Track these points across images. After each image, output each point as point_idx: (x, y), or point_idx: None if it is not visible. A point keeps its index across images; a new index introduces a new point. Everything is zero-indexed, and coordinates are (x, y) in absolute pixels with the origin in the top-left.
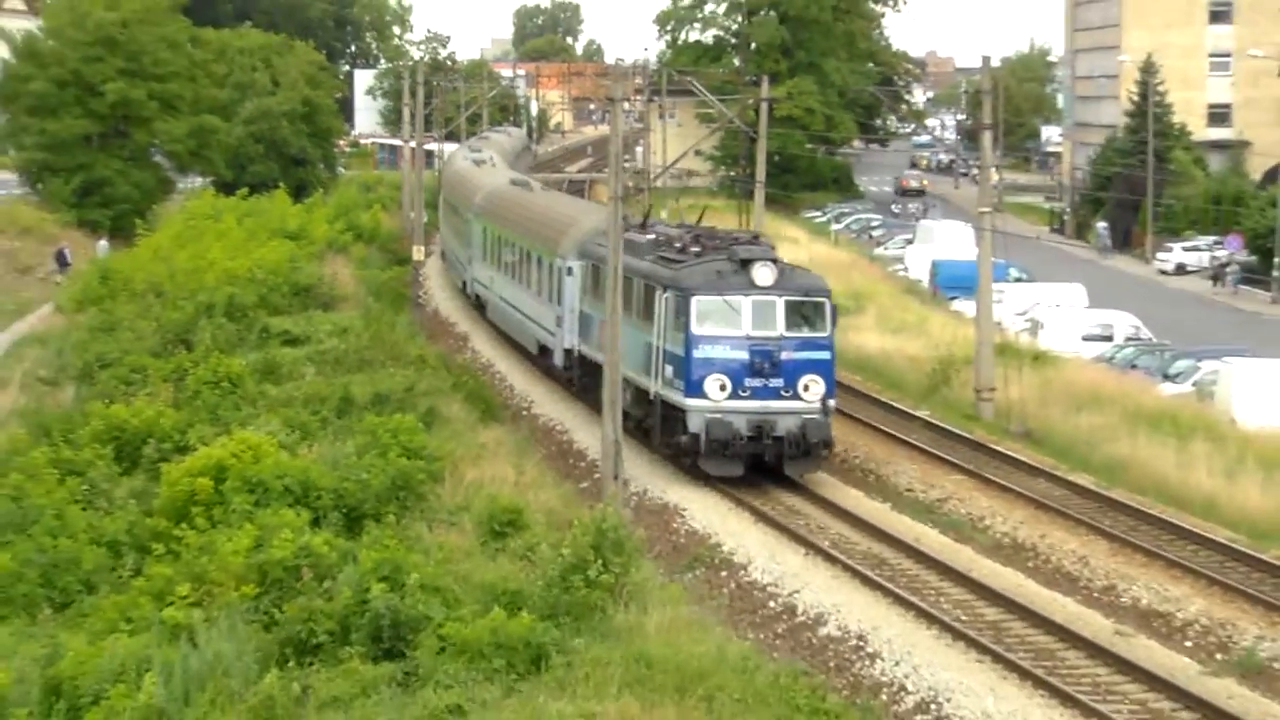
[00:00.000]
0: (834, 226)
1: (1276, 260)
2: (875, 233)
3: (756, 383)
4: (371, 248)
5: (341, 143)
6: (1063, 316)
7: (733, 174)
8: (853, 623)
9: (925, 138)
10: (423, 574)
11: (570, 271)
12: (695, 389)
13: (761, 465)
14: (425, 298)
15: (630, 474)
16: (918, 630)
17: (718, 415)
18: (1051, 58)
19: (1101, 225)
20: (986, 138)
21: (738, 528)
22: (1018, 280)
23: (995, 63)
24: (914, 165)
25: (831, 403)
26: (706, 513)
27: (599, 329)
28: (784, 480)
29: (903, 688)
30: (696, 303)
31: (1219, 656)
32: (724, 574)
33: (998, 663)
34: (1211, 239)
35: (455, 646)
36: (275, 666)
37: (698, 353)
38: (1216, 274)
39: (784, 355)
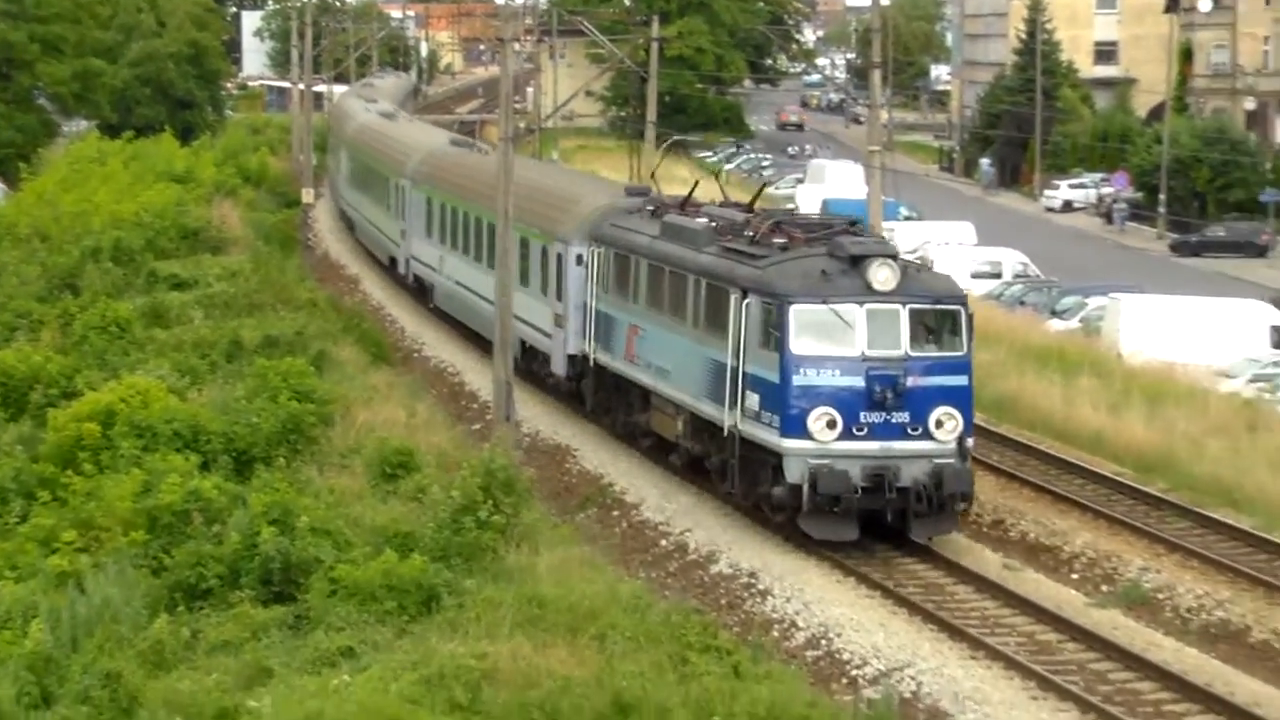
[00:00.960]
0: (725, 166)
1: (1162, 197)
2: (766, 172)
3: (875, 417)
4: (260, 191)
5: (229, 85)
6: (952, 254)
7: (623, 115)
8: (744, 560)
9: (815, 77)
10: (313, 517)
11: (579, 260)
12: (795, 427)
13: (875, 523)
14: (315, 240)
15: (523, 415)
16: (808, 568)
17: (825, 461)
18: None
19: (986, 162)
20: (875, 76)
21: (629, 467)
22: (907, 219)
23: (884, 1)
24: (804, 104)
25: (970, 443)
26: (598, 453)
27: (629, 335)
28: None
29: (794, 624)
30: (796, 313)
31: (1105, 588)
32: (616, 514)
33: (888, 598)
34: (1098, 176)
35: (346, 589)
36: (164, 611)
37: (798, 379)
38: (1107, 211)
39: (911, 381)
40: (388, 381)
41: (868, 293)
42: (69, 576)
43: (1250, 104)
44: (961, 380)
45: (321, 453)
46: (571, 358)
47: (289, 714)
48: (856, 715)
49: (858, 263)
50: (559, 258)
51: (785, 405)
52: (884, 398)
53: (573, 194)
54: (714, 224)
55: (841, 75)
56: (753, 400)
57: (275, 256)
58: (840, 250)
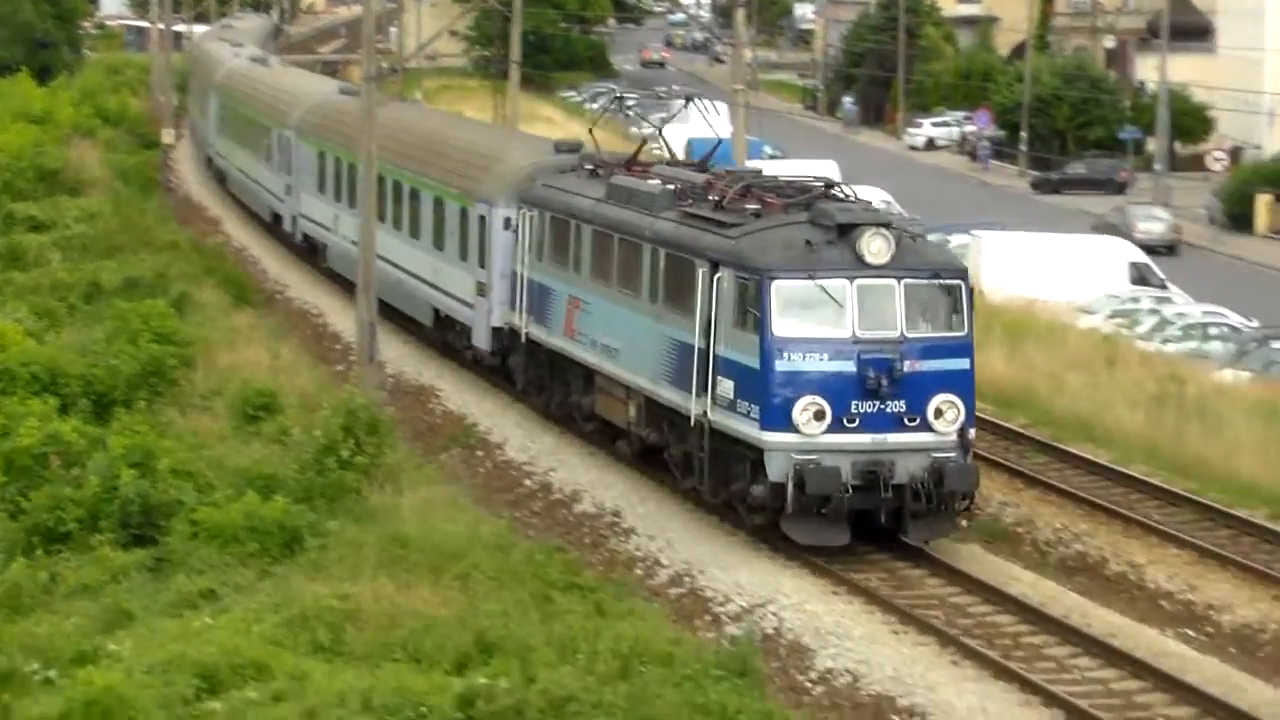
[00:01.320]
0: (590, 106)
1: (1024, 135)
2: (631, 112)
3: (868, 407)
4: (119, 132)
5: (87, 25)
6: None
7: (487, 54)
8: (608, 500)
9: (679, 16)
10: (174, 459)
11: (507, 224)
12: (778, 418)
13: (865, 525)
14: (176, 182)
15: (387, 356)
16: (672, 506)
17: (812, 457)
18: None
19: (848, 100)
20: (739, 15)
21: (494, 408)
22: (772, 157)
23: None
24: (669, 44)
25: (971, 434)
26: (463, 393)
27: (569, 308)
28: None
29: (657, 562)
30: (778, 290)
31: (964, 523)
32: (480, 454)
33: (751, 536)
34: (961, 114)
35: (208, 531)
36: (22, 555)
37: (782, 364)
38: (971, 149)
39: (907, 366)
40: (250, 323)
41: (859, 266)
42: None
43: (1110, 42)
44: (963, 364)
45: (183, 395)
46: (497, 330)
47: (149, 657)
48: (719, 652)
49: (846, 232)
50: (481, 220)
51: (767, 394)
52: (878, 385)
53: (495, 150)
54: (671, 186)
55: (706, 14)
56: (726, 387)
57: (135, 198)
58: (825, 218)
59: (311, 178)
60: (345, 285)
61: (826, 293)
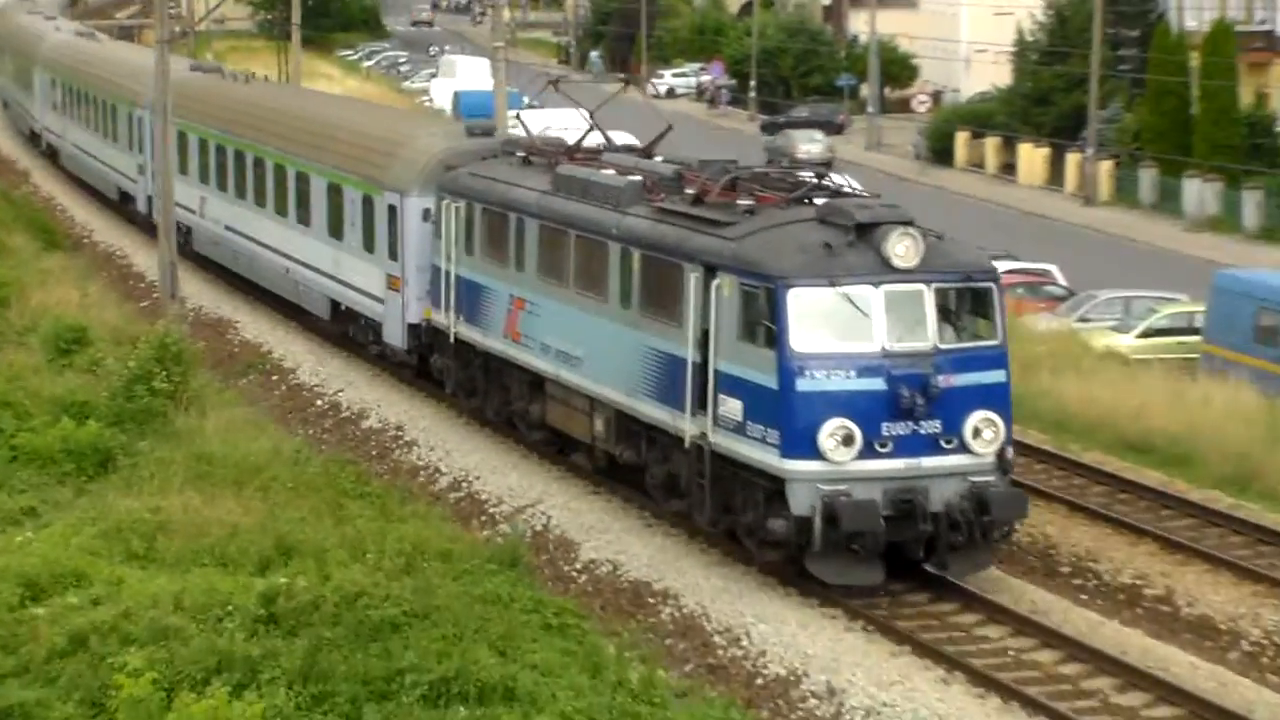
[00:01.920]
0: (365, 64)
1: (752, 83)
2: (403, 68)
3: (901, 429)
4: None
5: None
6: (570, 137)
7: (270, 17)
8: (392, 416)
9: None
10: None
11: (427, 215)
12: (801, 444)
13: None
14: None
15: (187, 292)
16: (450, 420)
17: (842, 488)
18: None
19: (595, 54)
20: None
21: (286, 337)
22: (529, 107)
23: None
24: (435, 6)
25: (1010, 454)
26: (258, 324)
27: (511, 309)
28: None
29: (437, 470)
30: (796, 299)
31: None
32: (275, 378)
33: (519, 445)
34: (697, 65)
35: (27, 454)
36: None
37: (804, 384)
38: (712, 97)
39: (942, 381)
40: (60, 266)
41: (885, 270)
42: None
43: (824, 2)
44: (999, 376)
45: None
46: (413, 327)
47: None
48: (492, 547)
49: (866, 232)
50: (391, 210)
51: (787, 417)
52: (912, 403)
53: (399, 134)
54: (637, 178)
55: None
56: (731, 408)
57: None
58: (841, 216)
59: (173, 160)
60: (203, 262)
61: (851, 301)
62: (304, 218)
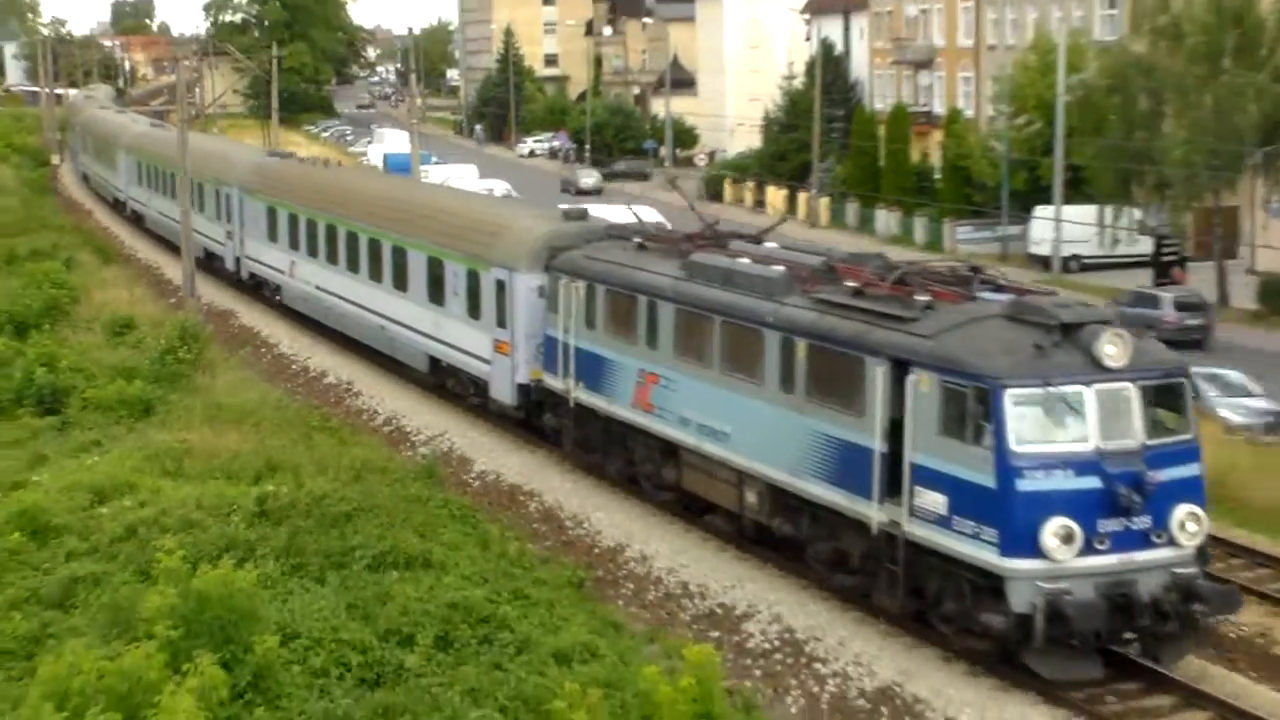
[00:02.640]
0: (322, 135)
1: (587, 147)
2: (349, 138)
3: (1115, 525)
4: (23, 157)
5: None
6: (462, 183)
7: (257, 103)
8: (345, 374)
9: (376, 78)
10: (70, 360)
11: (542, 292)
12: (1021, 543)
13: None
14: (62, 188)
15: (203, 292)
16: (389, 378)
17: (1062, 585)
18: (452, 27)
19: (479, 128)
20: (412, 78)
21: (266, 319)
22: (435, 163)
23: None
24: (370, 96)
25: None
26: (251, 314)
27: (641, 382)
28: None
29: (376, 411)
30: (1013, 400)
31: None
32: (263, 350)
33: (434, 393)
34: (550, 134)
35: (93, 404)
36: None
37: (1024, 484)
38: (564, 156)
39: (1151, 477)
40: (114, 275)
41: (1095, 370)
42: None
43: (636, 90)
44: (1195, 470)
45: (72, 321)
46: (522, 386)
47: (60, 483)
48: (414, 464)
49: (1071, 331)
50: (500, 284)
51: (1007, 516)
52: (1128, 500)
53: (500, 218)
54: (783, 269)
55: (393, 77)
56: (933, 500)
57: (36, 198)
58: (1043, 316)
59: (260, 228)
60: (251, 291)
61: (1066, 402)
62: (401, 284)
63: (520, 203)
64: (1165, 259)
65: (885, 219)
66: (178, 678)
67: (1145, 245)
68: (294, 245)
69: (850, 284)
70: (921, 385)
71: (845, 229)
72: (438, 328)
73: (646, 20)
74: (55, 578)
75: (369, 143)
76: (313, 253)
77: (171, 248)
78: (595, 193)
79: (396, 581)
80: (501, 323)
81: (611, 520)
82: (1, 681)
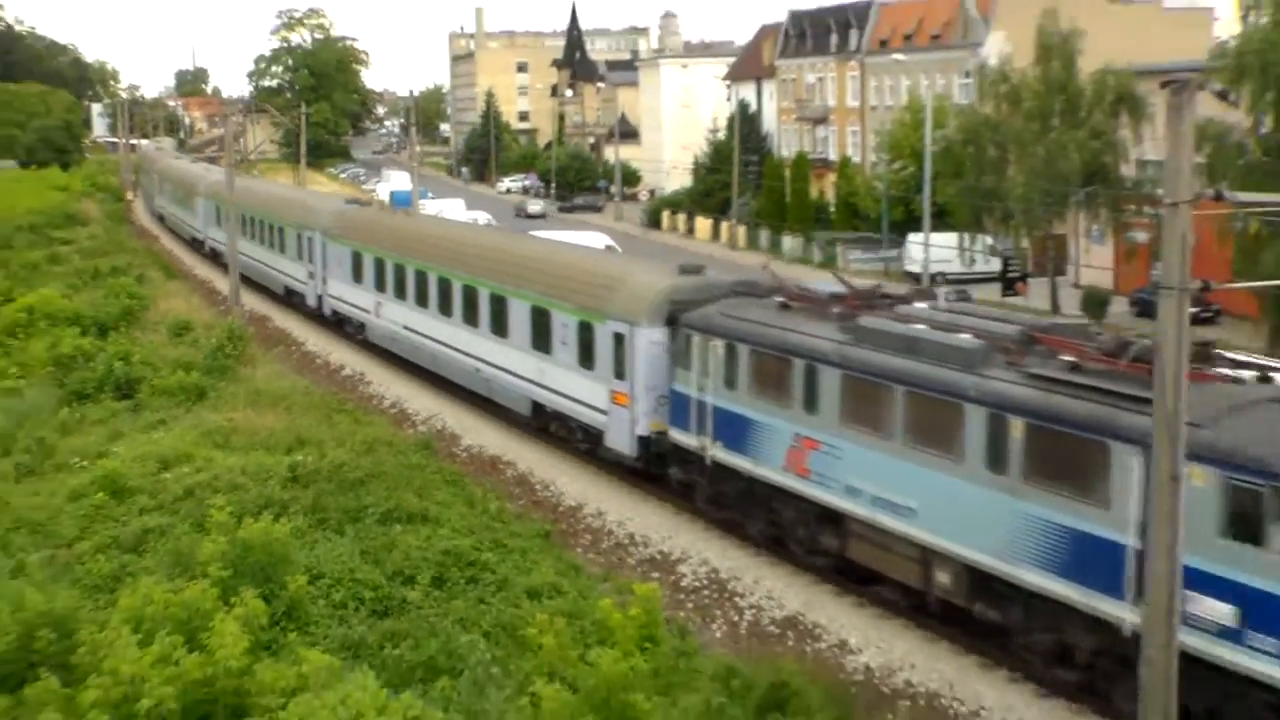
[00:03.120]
0: (341, 175)
1: (553, 186)
2: (361, 178)
3: None
4: (105, 194)
5: (86, 140)
6: (451, 214)
7: (290, 150)
8: (360, 368)
9: (384, 130)
10: (141, 355)
11: (667, 346)
12: None
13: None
14: (135, 219)
15: (246, 301)
16: (393, 369)
17: None
18: (444, 90)
19: (465, 170)
20: (413, 131)
21: (298, 322)
22: (430, 198)
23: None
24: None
25: None
26: (285, 320)
27: (796, 446)
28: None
29: (383, 397)
30: None
31: None
32: (293, 349)
33: (432, 380)
34: (523, 175)
35: (159, 390)
36: (66, 406)
37: None
38: (535, 192)
39: None
40: (176, 288)
41: None
42: (15, 391)
43: (591, 140)
44: None
45: (143, 324)
46: (642, 438)
47: (133, 453)
48: (414, 438)
49: None
50: (618, 337)
51: None
52: None
53: (614, 271)
54: (976, 338)
55: (398, 130)
56: (1214, 610)
57: (114, 227)
58: None
59: (344, 269)
60: (332, 326)
61: None
62: (500, 330)
63: (632, 258)
64: (1010, 276)
65: (790, 243)
66: (227, 608)
67: (995, 265)
68: (380, 287)
69: (1068, 358)
70: (1195, 480)
71: (759, 251)
72: (542, 374)
73: (600, 85)
74: (130, 528)
75: (378, 182)
76: (400, 295)
77: (249, 282)
78: (540, 217)
79: (400, 533)
80: (620, 374)
81: (573, 485)
82: (91, 609)
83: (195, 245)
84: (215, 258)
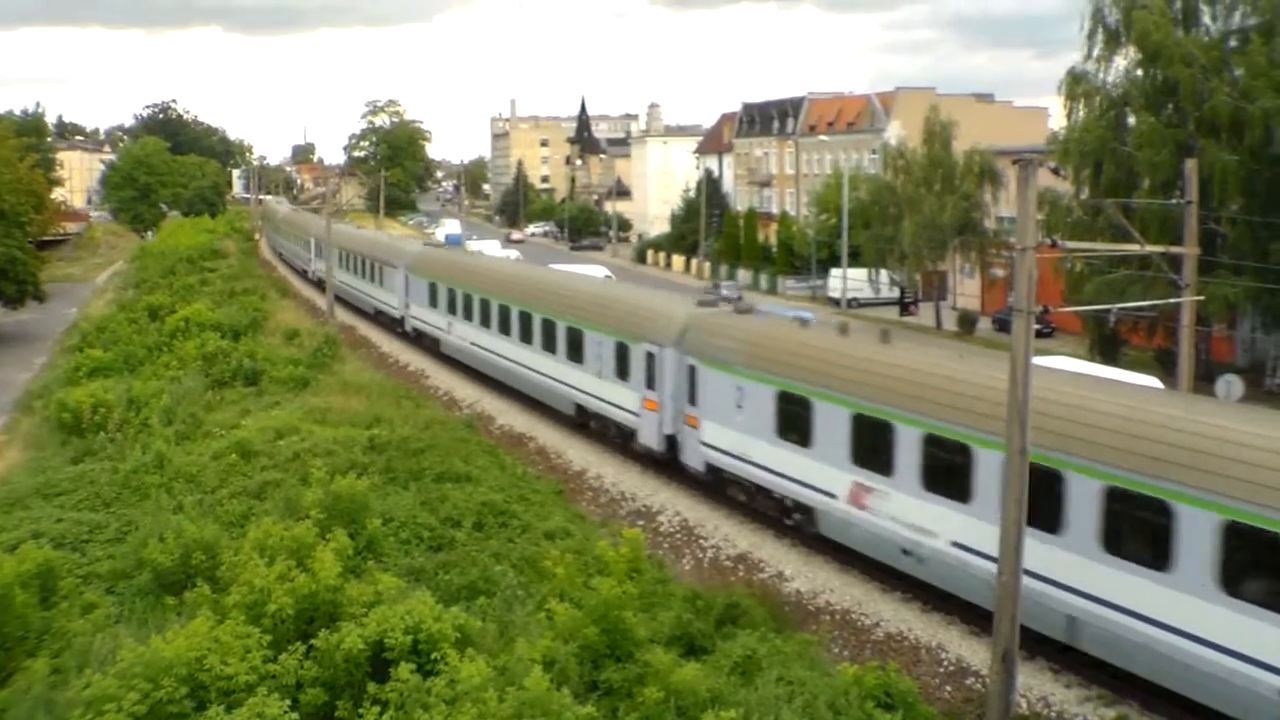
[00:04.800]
0: (409, 222)
1: (566, 229)
2: (424, 224)
3: None
4: (239, 235)
5: (228, 196)
6: (490, 251)
7: (371, 203)
8: (421, 366)
9: (441, 189)
10: (263, 353)
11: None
12: None
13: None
14: (260, 254)
15: (340, 316)
16: (448, 367)
17: None
18: (486, 159)
19: (499, 217)
20: (462, 190)
21: (377, 331)
22: (474, 239)
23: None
24: (442, 199)
25: None
26: (368, 329)
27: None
28: None
29: (437, 386)
30: None
31: None
32: (373, 351)
33: (473, 374)
34: (545, 222)
35: (275, 380)
36: (210, 390)
37: None
38: (553, 235)
39: None
40: (289, 305)
41: None
42: (175, 379)
43: (595, 197)
44: None
45: (264, 330)
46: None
47: (257, 425)
48: (461, 418)
49: None
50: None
51: None
52: None
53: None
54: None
55: (452, 188)
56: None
57: (245, 259)
58: None
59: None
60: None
61: None
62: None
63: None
64: (905, 301)
65: (743, 275)
66: (324, 542)
67: (895, 293)
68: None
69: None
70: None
71: (719, 280)
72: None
73: (602, 156)
74: (255, 481)
75: (437, 228)
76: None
77: (343, 302)
78: (520, 242)
79: (450, 489)
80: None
81: (579, 455)
82: (228, 539)
83: (303, 274)
84: (319, 284)
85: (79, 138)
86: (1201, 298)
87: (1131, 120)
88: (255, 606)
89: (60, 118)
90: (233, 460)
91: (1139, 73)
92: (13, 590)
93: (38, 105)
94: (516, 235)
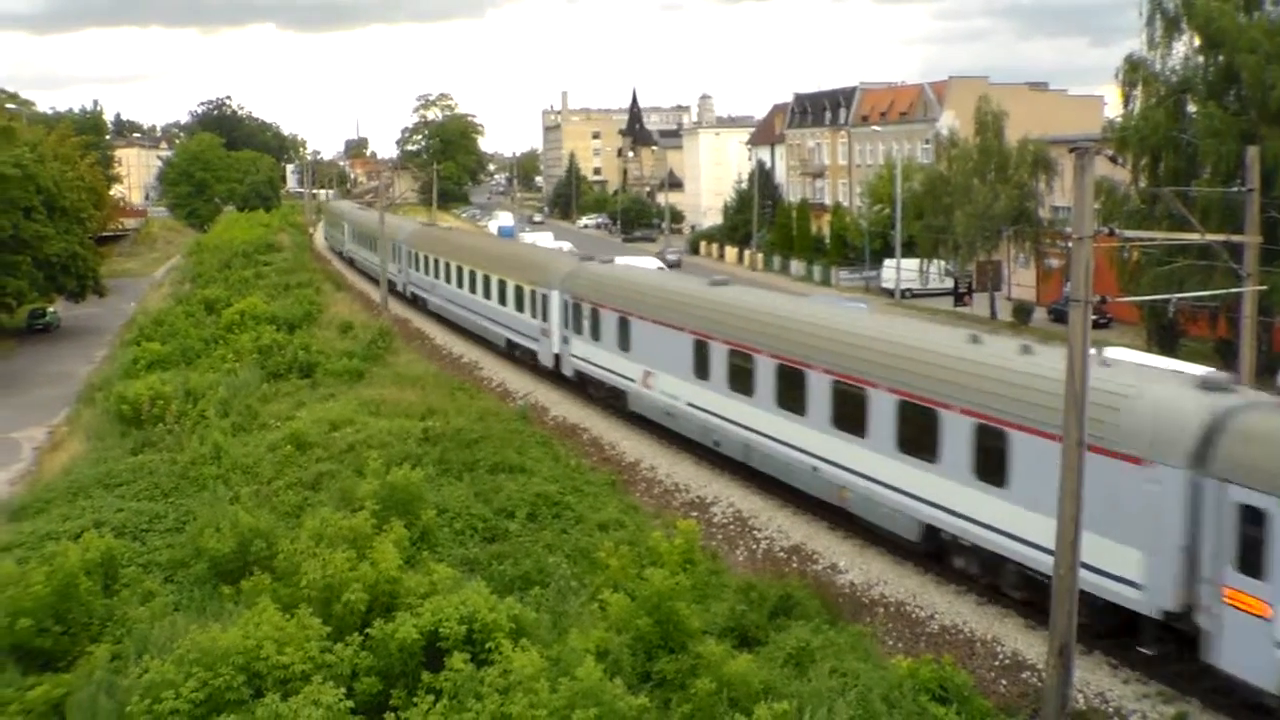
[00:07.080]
0: (462, 215)
1: (619, 222)
2: (477, 216)
3: None
4: (294, 228)
5: (282, 191)
6: (542, 242)
7: (425, 196)
8: (475, 358)
9: (494, 181)
10: (318, 345)
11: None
12: None
13: None
14: (314, 246)
15: (392, 308)
16: (508, 365)
17: None
18: (539, 151)
19: (546, 209)
20: (514, 182)
21: (429, 323)
22: (527, 229)
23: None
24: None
25: None
26: (425, 324)
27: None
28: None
29: (492, 379)
30: None
31: None
32: (427, 344)
33: (529, 369)
34: (598, 215)
35: (330, 373)
36: (265, 382)
37: None
38: (606, 227)
39: None
40: (342, 297)
41: None
42: (231, 371)
43: (647, 189)
44: None
45: (318, 324)
46: (557, 355)
47: (312, 417)
48: (514, 409)
49: None
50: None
51: None
52: None
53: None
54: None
55: (504, 181)
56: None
57: (300, 252)
58: None
59: (586, 327)
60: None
61: None
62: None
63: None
64: (959, 291)
65: (796, 266)
66: (379, 533)
67: (949, 283)
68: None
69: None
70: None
71: (772, 272)
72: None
73: (654, 148)
74: (310, 471)
75: (490, 219)
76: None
77: (396, 293)
78: (540, 224)
79: (504, 480)
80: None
81: (632, 446)
82: (284, 529)
83: (350, 262)
84: (413, 300)
85: (136, 135)
86: (1264, 287)
87: (1192, 108)
88: (326, 593)
89: (118, 116)
90: (288, 452)
91: (1199, 59)
92: (78, 577)
93: (96, 104)
94: (537, 216)
